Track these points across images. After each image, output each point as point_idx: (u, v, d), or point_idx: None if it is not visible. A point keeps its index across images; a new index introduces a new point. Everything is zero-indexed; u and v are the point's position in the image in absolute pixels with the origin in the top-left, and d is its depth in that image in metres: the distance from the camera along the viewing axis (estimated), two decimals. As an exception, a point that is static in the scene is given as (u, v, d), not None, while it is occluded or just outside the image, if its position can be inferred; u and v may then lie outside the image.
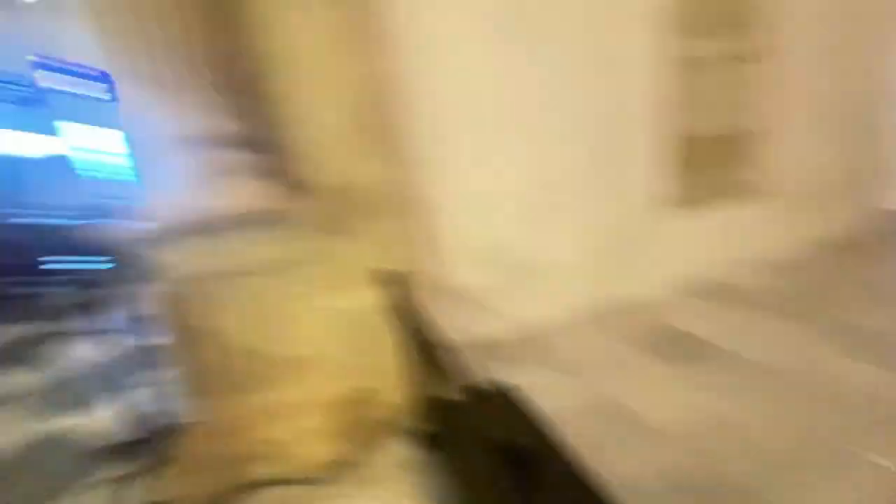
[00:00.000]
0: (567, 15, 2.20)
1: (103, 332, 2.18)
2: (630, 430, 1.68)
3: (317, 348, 1.72)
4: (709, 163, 2.70)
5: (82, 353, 3.17)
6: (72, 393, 2.78)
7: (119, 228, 1.79)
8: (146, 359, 2.35)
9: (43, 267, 5.41)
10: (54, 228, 5.53)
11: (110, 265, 1.97)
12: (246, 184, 1.55)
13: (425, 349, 1.65)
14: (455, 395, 1.64)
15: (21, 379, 3.11)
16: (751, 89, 2.71)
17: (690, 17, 2.40)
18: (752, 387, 1.85)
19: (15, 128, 6.08)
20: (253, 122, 1.66)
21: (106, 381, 2.92)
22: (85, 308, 3.83)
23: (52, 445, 2.31)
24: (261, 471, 1.68)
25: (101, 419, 2.41)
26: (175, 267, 1.60)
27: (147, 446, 2.08)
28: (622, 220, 2.57)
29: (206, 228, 1.53)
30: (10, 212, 5.68)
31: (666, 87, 2.46)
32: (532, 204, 2.34)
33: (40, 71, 6.16)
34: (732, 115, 2.70)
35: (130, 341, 2.18)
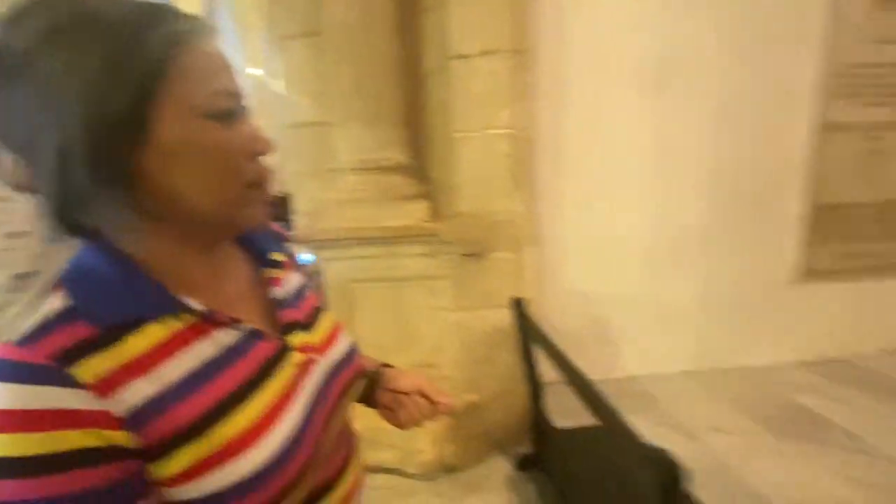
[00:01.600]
0: (711, 73, 2.25)
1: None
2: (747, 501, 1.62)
3: (439, 358, 1.92)
4: (849, 234, 2.50)
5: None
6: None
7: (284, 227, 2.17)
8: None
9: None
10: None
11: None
12: (403, 206, 1.83)
13: (534, 377, 1.76)
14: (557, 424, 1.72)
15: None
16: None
17: (845, 86, 2.31)
18: (874, 475, 1.69)
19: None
20: (417, 155, 1.95)
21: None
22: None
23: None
24: (370, 456, 1.90)
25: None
26: (334, 268, 1.92)
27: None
28: (748, 284, 2.47)
29: (363, 241, 1.82)
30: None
31: (813, 152, 2.37)
32: (655, 252, 2.37)
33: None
34: (880, 186, 2.49)
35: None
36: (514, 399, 1.94)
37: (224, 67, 0.41)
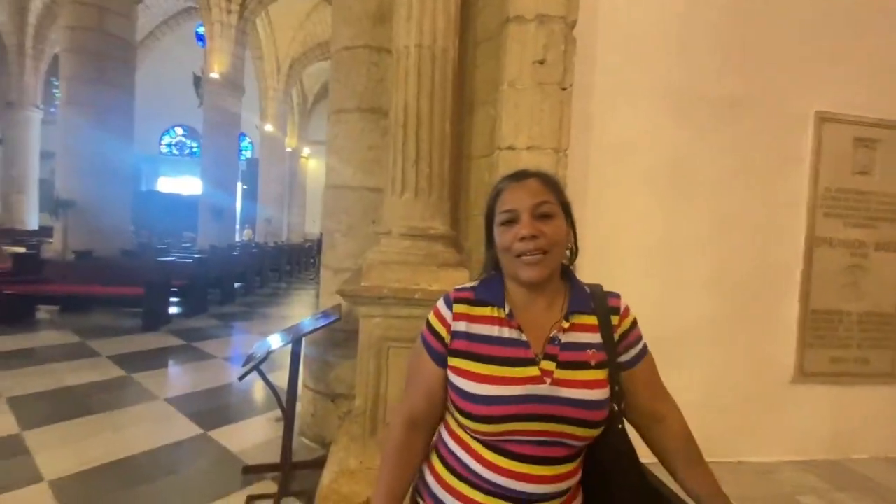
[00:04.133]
0: (714, 183, 2.54)
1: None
2: None
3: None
4: (844, 341, 2.70)
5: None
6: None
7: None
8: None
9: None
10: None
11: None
12: (444, 272, 1.95)
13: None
14: None
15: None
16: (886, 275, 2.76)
17: (839, 207, 2.63)
18: None
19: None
20: (455, 227, 2.11)
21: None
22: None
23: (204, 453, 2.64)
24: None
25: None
26: (372, 325, 1.98)
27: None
28: (749, 381, 2.60)
29: (403, 301, 1.91)
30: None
31: (807, 263, 2.63)
32: (662, 343, 2.49)
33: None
34: (871, 299, 2.73)
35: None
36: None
37: (516, 198, 0.80)
